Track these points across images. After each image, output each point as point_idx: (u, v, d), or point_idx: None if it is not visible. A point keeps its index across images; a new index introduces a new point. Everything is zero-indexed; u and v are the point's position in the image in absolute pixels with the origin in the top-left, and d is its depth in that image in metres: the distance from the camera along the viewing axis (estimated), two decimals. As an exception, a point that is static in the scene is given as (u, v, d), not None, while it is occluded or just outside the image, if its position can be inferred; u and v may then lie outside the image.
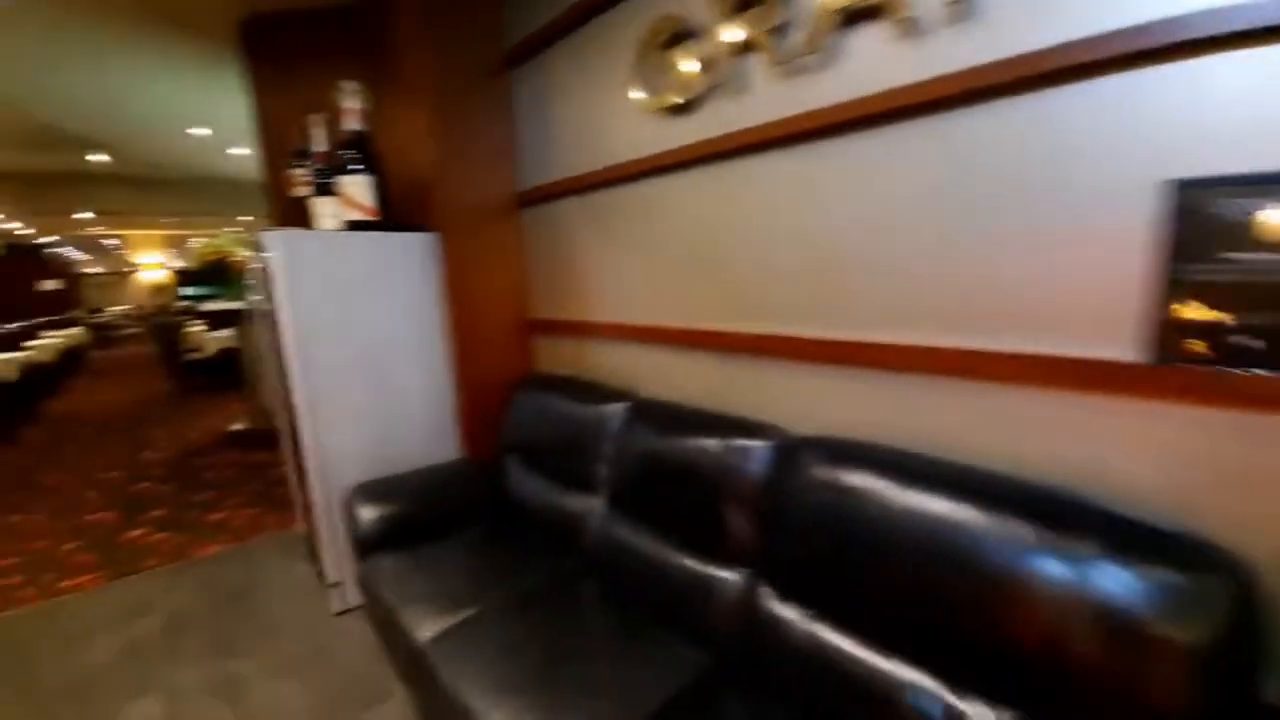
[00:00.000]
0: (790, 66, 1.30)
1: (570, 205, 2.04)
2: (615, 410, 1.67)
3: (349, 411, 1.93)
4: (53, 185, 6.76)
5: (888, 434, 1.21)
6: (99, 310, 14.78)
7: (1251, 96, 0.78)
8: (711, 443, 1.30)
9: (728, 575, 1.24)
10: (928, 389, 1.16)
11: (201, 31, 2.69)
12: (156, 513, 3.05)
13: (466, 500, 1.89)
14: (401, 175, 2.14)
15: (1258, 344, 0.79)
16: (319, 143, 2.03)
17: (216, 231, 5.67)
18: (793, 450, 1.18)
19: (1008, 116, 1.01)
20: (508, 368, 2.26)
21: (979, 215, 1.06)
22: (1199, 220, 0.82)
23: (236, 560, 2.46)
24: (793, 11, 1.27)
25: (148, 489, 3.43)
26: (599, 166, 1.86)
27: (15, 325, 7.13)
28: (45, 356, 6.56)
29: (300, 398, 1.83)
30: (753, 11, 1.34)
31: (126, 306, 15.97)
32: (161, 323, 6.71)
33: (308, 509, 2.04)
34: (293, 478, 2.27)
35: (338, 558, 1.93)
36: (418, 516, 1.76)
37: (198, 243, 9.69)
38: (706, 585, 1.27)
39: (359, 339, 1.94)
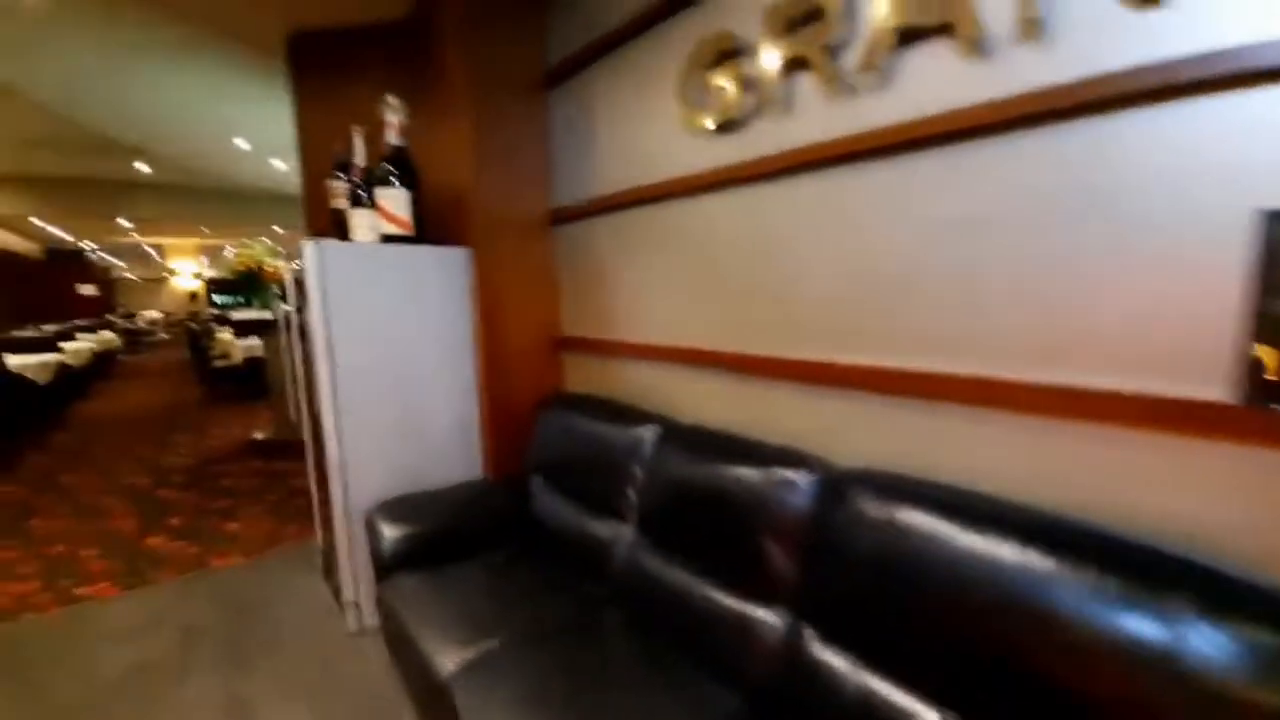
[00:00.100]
0: (843, 86, 1.26)
1: (604, 223, 2.02)
2: (645, 434, 1.61)
3: (374, 425, 1.90)
4: (96, 192, 6.98)
5: (941, 471, 1.14)
6: (132, 315, 15.19)
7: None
8: (750, 472, 1.23)
9: (766, 614, 1.17)
10: (986, 423, 1.09)
11: (250, 46, 2.75)
12: (175, 520, 3.04)
13: (490, 521, 1.83)
14: (437, 190, 2.14)
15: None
16: (359, 156, 2.03)
17: (250, 242, 5.78)
18: (840, 484, 1.11)
19: (1085, 138, 0.95)
20: (535, 385, 2.22)
21: (1050, 241, 1.00)
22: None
23: (252, 573, 2.43)
24: (848, 30, 1.24)
25: (168, 495, 3.44)
26: (636, 185, 1.84)
27: (51, 328, 7.33)
28: (78, 360, 6.71)
29: (327, 409, 1.80)
30: (806, 30, 1.31)
31: (159, 312, 16.41)
32: (192, 329, 6.84)
33: (327, 523, 2.00)
34: (313, 490, 2.24)
35: (355, 576, 1.88)
36: (440, 536, 1.71)
37: (232, 252, 9.93)
38: (743, 623, 1.19)
39: (388, 351, 1.91)
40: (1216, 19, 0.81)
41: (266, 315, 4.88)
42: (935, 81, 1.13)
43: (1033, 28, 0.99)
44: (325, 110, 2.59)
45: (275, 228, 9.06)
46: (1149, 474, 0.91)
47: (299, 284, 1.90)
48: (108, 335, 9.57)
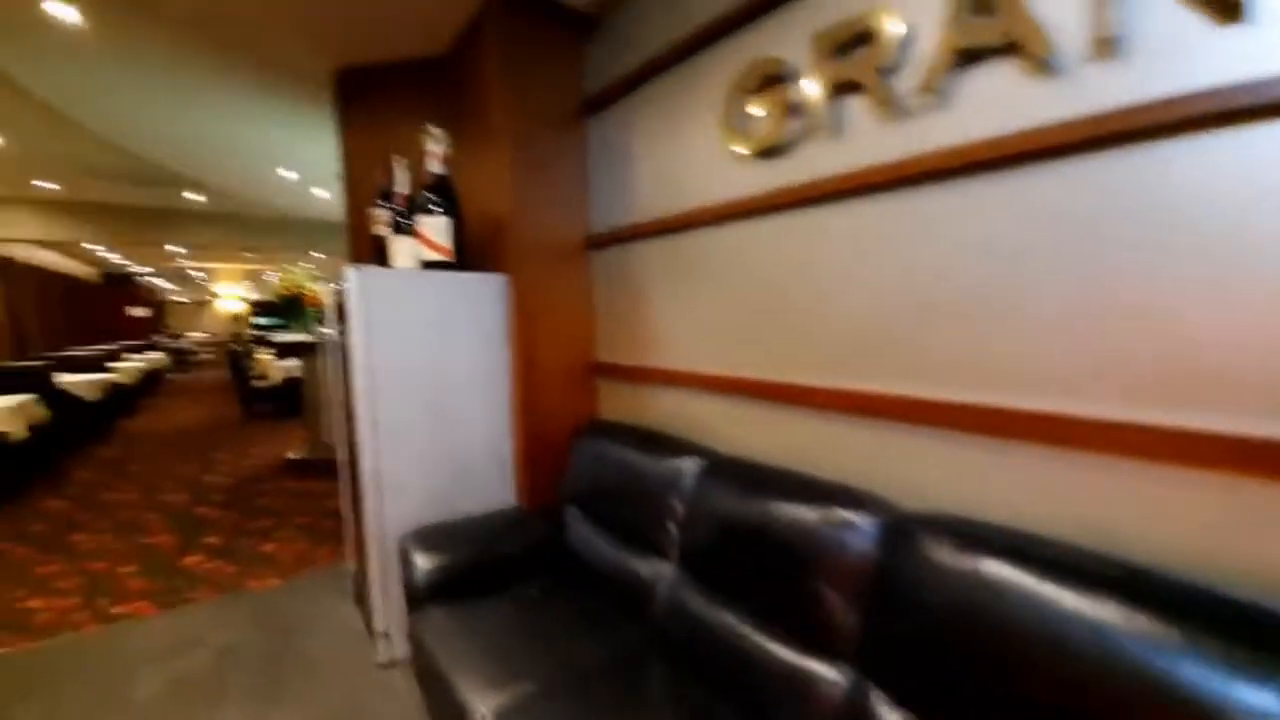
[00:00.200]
0: (898, 108, 1.22)
1: (642, 248, 2.00)
2: (686, 465, 1.56)
3: (410, 449, 1.88)
4: (151, 220, 7.33)
5: (1015, 516, 1.06)
6: (179, 335, 15.81)
7: None
8: (805, 511, 1.17)
9: (826, 670, 1.08)
10: (1065, 464, 1.01)
11: (302, 82, 2.86)
12: (212, 539, 3.07)
13: (524, 552, 1.78)
14: (475, 217, 2.16)
15: None
16: (402, 184, 2.07)
17: (291, 267, 5.97)
18: (907, 528, 1.03)
19: (1168, 158, 0.89)
20: (569, 412, 2.19)
21: (1131, 267, 0.93)
22: None
23: (285, 596, 2.42)
24: (903, 52, 1.20)
25: (206, 513, 3.49)
26: (676, 211, 1.82)
27: (103, 348, 7.65)
28: (127, 378, 6.97)
29: (364, 432, 1.79)
30: (856, 53, 1.28)
31: (204, 333, 17.06)
32: (234, 350, 7.05)
33: (359, 547, 1.99)
34: (347, 512, 2.23)
35: (387, 605, 1.85)
36: (473, 567, 1.67)
37: (274, 276, 10.27)
38: (798, 678, 1.11)
39: (425, 376, 1.91)
40: (1328, 31, 0.75)
41: (305, 338, 4.99)
42: (998, 102, 1.08)
43: (1107, 46, 0.94)
44: (368, 141, 2.66)
45: (315, 253, 9.36)
46: (1265, 527, 0.82)
47: (340, 308, 1.92)
48: (156, 356, 9.95)
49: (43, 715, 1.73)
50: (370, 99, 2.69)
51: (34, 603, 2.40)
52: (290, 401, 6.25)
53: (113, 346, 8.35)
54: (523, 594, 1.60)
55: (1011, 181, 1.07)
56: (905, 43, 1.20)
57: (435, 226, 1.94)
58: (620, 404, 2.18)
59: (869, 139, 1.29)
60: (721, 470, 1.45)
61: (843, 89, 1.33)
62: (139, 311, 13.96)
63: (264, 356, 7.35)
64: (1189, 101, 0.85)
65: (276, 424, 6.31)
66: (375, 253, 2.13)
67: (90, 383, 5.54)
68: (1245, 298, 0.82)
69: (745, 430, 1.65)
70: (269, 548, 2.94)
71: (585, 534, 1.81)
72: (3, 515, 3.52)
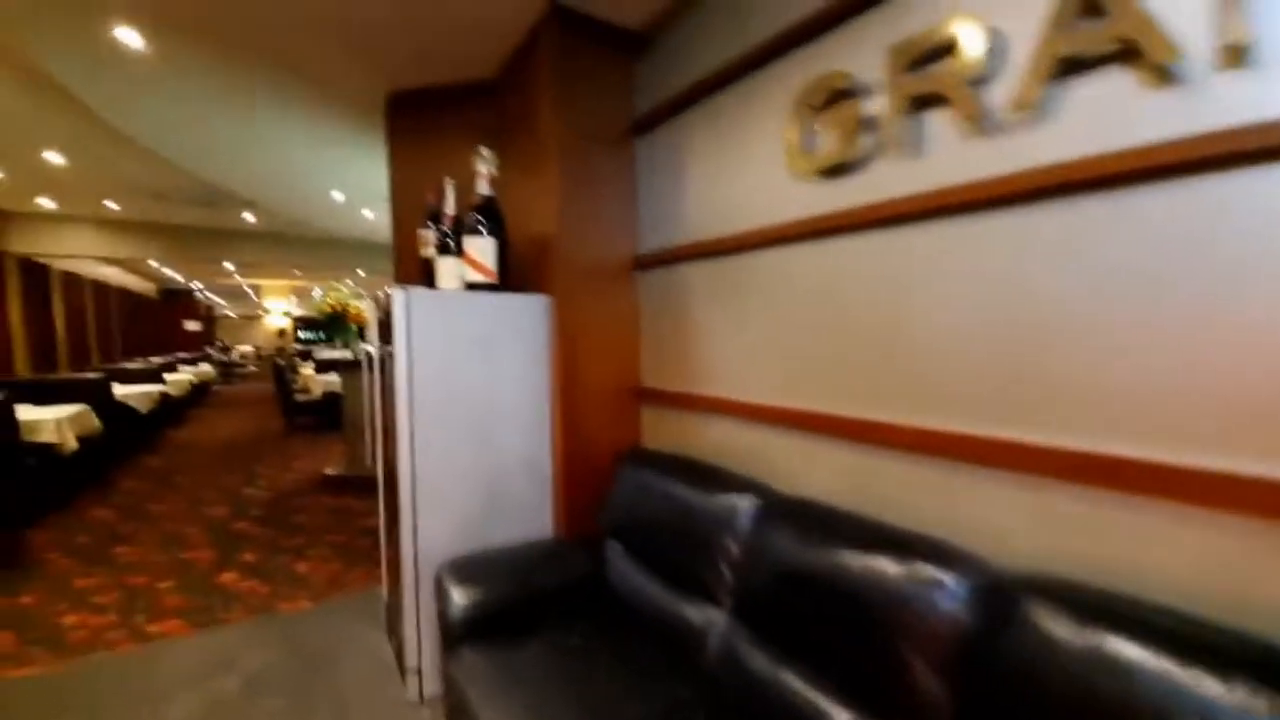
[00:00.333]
0: (989, 123, 1.12)
1: (692, 270, 1.92)
2: (741, 504, 1.44)
3: (448, 471, 1.82)
4: (208, 238, 7.66)
5: (1137, 583, 0.91)
6: (228, 348, 16.44)
7: None
8: (885, 565, 1.04)
9: (910, 751, 0.95)
10: (1197, 526, 0.87)
11: (354, 107, 2.92)
12: (248, 556, 3.07)
13: (563, 588, 1.69)
14: (521, 238, 2.12)
15: None
16: (450, 205, 2.05)
17: (337, 284, 6.13)
18: (1009, 593, 0.90)
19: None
20: (611, 439, 2.11)
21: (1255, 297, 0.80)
22: None
23: (317, 621, 2.37)
24: (995, 62, 1.11)
25: (245, 529, 3.50)
26: (730, 231, 1.74)
27: (158, 360, 7.96)
28: (177, 390, 7.21)
29: (404, 453, 1.74)
30: (940, 65, 1.18)
31: (251, 346, 17.71)
32: (278, 364, 7.24)
33: (393, 571, 1.93)
34: (381, 534, 2.18)
35: (420, 640, 1.77)
36: (511, 604, 1.58)
37: (319, 293, 10.59)
38: (876, 757, 0.98)
39: (466, 398, 1.86)
40: None
41: (346, 354, 5.07)
42: (1109, 115, 0.97)
43: (1237, 55, 0.83)
44: (416, 163, 2.68)
45: (359, 271, 9.62)
46: None
47: (383, 326, 1.89)
48: (205, 368, 10.33)
49: (73, 737, 1.70)
50: (419, 122, 2.71)
51: (71, 618, 2.40)
52: (330, 415, 6.34)
53: (166, 359, 8.69)
54: (563, 639, 1.49)
55: (1128, 201, 0.95)
56: (996, 52, 1.10)
57: (481, 247, 1.90)
58: (665, 432, 2.08)
59: (953, 156, 1.19)
60: (782, 511, 1.33)
61: (921, 103, 1.23)
62: (193, 325, 14.59)
63: (306, 371, 7.53)
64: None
65: (317, 437, 6.41)
66: (422, 274, 2.11)
67: (143, 394, 5.73)
68: None
69: (803, 466, 1.54)
70: (302, 567, 2.91)
71: (627, 571, 1.71)
72: (51, 524, 3.61)
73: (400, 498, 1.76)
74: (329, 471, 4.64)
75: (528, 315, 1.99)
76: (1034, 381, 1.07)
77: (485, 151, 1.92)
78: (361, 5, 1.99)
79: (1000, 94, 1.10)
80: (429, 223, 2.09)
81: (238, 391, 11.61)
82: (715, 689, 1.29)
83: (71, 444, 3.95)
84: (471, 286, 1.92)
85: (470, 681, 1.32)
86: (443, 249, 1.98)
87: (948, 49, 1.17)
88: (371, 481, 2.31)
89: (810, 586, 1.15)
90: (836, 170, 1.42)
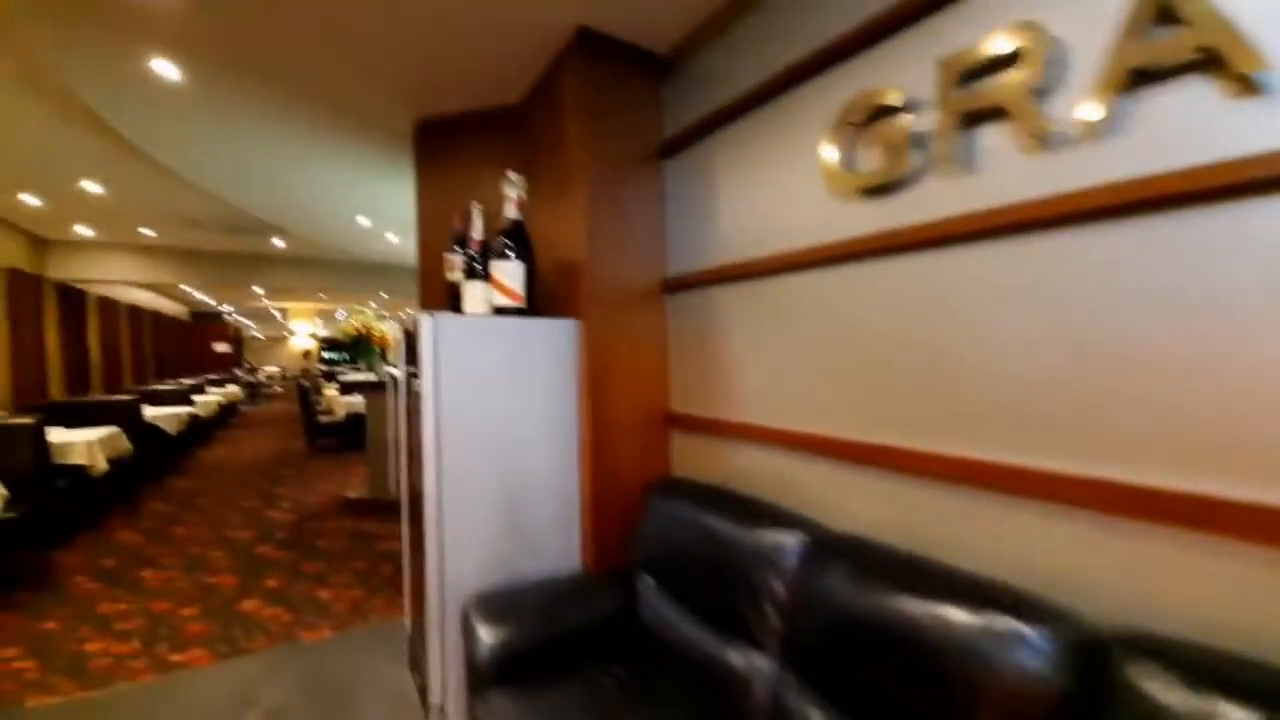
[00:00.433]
0: (1053, 138, 1.05)
1: (724, 293, 1.86)
2: (786, 540, 1.36)
3: (474, 498, 1.77)
4: (238, 263, 7.85)
5: (1251, 640, 0.82)
6: (255, 369, 16.76)
7: None
8: (958, 616, 0.95)
9: (992, 829, 0.85)
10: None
11: (383, 134, 2.96)
12: (271, 582, 3.04)
13: (594, 625, 1.61)
14: (547, 262, 2.09)
15: None
16: (477, 230, 2.03)
17: (361, 307, 6.21)
18: (1106, 653, 0.81)
19: None
20: (641, 466, 2.04)
21: None
22: None
23: (339, 651, 2.31)
24: (1058, 75, 1.04)
25: (268, 553, 3.48)
26: (765, 253, 1.68)
27: (188, 382, 8.11)
28: (205, 412, 7.32)
29: (429, 479, 1.69)
30: (996, 78, 1.13)
31: (277, 367, 18.04)
32: (302, 385, 7.31)
33: (416, 599, 1.86)
34: (405, 562, 2.12)
35: (444, 676, 1.70)
36: (541, 643, 1.51)
37: (343, 314, 10.76)
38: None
39: (493, 424, 1.81)
40: None
41: (370, 377, 5.08)
42: (1187, 128, 0.90)
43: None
44: (442, 188, 2.69)
45: (382, 293, 9.76)
46: None
47: (408, 349, 1.86)
48: (233, 389, 10.50)
49: (92, 775, 1.65)
50: (447, 148, 2.72)
51: (94, 645, 2.38)
52: (353, 437, 6.37)
53: (196, 380, 8.85)
54: (595, 680, 1.41)
55: (1217, 219, 0.88)
56: (1058, 63, 1.04)
57: (509, 271, 1.87)
58: (697, 459, 2.01)
59: (1010, 173, 1.12)
60: (834, 550, 1.25)
61: (975, 118, 1.17)
62: (222, 347, 14.92)
63: (330, 392, 7.60)
64: None
65: (339, 458, 6.44)
66: (449, 298, 2.09)
67: (172, 416, 5.81)
68: None
69: (841, 497, 1.46)
70: (324, 594, 2.87)
71: (660, 607, 1.63)
72: (80, 545, 3.63)
73: (426, 526, 1.71)
74: (351, 495, 4.63)
75: (555, 339, 1.94)
76: (1099, 416, 0.98)
77: (514, 176, 1.91)
78: (393, 40, 2.01)
79: (1062, 106, 1.04)
80: (455, 247, 2.07)
81: (263, 412, 11.78)
82: (762, 743, 1.20)
83: (102, 465, 4.00)
84: (499, 311, 1.88)
85: (500, 730, 1.25)
86: (470, 273, 1.95)
87: (1004, 61, 1.11)
88: (393, 505, 2.27)
89: (869, 636, 1.07)
90: (881, 189, 1.36)
